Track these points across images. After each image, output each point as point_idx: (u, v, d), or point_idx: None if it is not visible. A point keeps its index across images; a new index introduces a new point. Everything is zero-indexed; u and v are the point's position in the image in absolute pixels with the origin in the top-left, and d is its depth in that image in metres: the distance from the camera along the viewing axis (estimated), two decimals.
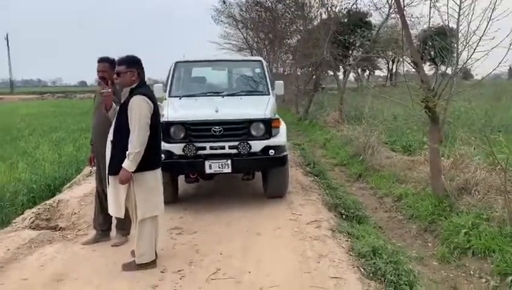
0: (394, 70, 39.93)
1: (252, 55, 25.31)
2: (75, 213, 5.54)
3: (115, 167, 3.54)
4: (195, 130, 5.34)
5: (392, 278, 3.55)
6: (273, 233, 4.65)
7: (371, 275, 3.64)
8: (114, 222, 4.52)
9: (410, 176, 6.91)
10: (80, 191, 6.39)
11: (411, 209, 5.76)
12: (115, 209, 3.69)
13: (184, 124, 5.31)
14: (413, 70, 5.97)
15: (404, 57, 6.13)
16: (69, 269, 3.82)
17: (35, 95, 50.56)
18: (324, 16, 17.55)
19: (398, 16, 7.20)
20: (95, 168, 4.83)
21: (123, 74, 3.62)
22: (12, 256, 4.06)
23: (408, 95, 5.55)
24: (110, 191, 3.68)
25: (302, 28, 19.22)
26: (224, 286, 3.46)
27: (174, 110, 5.60)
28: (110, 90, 3.71)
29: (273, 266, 3.77)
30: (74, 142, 12.66)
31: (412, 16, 13.14)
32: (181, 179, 5.94)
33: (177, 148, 5.26)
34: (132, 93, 3.59)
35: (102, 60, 4.33)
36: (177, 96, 6.18)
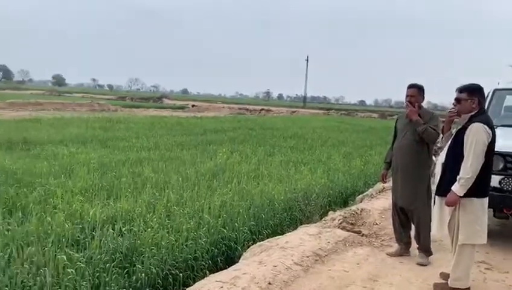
0: None
1: None
2: (376, 224, 5.99)
3: (444, 189, 3.68)
4: None
5: None
6: None
7: None
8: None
9: None
10: (379, 204, 6.85)
11: None
12: (436, 228, 3.84)
13: (504, 156, 4.99)
14: None
15: None
16: (380, 272, 4.21)
17: (322, 110, 56.47)
18: None
19: None
20: (386, 184, 5.13)
21: (463, 100, 3.72)
22: (332, 248, 4.75)
23: None
24: (435, 211, 3.85)
25: None
26: None
27: None
28: (455, 109, 3.82)
29: None
30: (361, 157, 13.48)
31: None
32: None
33: (493, 180, 4.98)
34: (471, 120, 3.66)
35: (412, 86, 4.71)
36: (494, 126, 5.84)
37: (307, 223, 6.52)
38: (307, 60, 73.07)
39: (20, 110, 32.04)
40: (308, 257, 4.31)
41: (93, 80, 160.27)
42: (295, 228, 6.25)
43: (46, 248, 4.43)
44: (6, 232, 4.85)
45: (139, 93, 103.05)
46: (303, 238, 4.89)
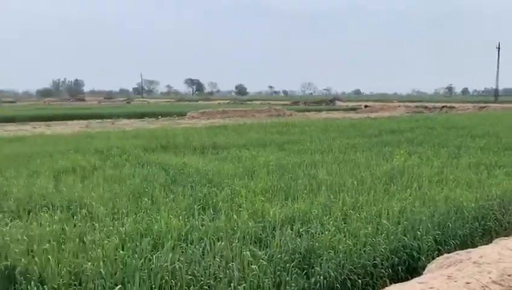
0: None
1: None
2: None
3: None
4: None
5: None
6: None
7: None
8: None
9: None
10: None
11: None
12: None
13: None
14: None
15: None
16: None
17: None
18: None
19: None
20: None
21: None
22: None
23: None
24: None
25: None
26: None
27: None
28: None
29: None
30: None
31: None
32: None
33: None
34: None
35: None
36: None
37: (505, 236, 5.64)
38: (498, 48, 64.16)
39: (210, 118, 36.27)
40: (509, 275, 3.68)
41: (270, 87, 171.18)
42: (489, 241, 5.48)
43: (233, 244, 4.82)
44: (200, 227, 5.45)
45: (312, 97, 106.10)
46: (502, 253, 4.21)
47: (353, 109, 53.55)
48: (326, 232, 5.20)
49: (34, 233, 5.14)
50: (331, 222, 5.64)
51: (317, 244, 4.93)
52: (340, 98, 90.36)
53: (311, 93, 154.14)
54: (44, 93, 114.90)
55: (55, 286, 4.08)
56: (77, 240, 5.02)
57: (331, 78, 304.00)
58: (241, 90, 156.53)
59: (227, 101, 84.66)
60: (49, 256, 4.45)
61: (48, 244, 4.74)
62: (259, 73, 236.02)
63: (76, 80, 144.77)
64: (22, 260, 4.44)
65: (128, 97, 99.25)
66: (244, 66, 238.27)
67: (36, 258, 4.46)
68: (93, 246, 4.79)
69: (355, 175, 8.81)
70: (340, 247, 4.85)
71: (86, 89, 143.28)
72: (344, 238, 5.08)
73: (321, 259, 4.63)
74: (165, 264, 4.30)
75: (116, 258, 4.50)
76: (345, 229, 5.43)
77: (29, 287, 4.07)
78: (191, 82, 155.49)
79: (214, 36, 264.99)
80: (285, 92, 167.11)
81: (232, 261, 4.44)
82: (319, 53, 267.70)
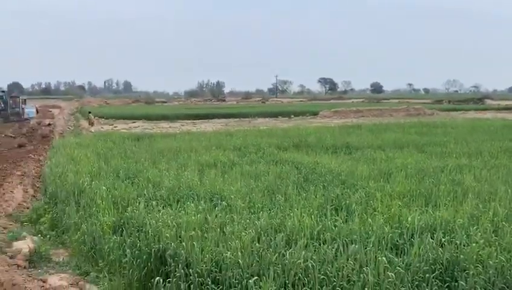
0: None
1: None
2: None
3: None
4: None
5: None
6: None
7: None
8: None
9: None
10: None
11: None
12: None
13: None
14: None
15: None
16: None
17: None
18: None
19: None
20: None
21: None
22: None
23: None
24: None
25: None
26: None
27: None
28: None
29: None
30: None
31: None
32: None
33: None
34: None
35: None
36: None
37: None
38: None
39: (343, 117, 35.70)
40: None
41: (409, 84, 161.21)
42: None
43: (367, 248, 4.67)
44: (333, 228, 5.40)
45: (457, 95, 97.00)
46: None
47: (508, 109, 47.52)
48: (473, 244, 4.70)
49: (181, 220, 5.67)
50: (479, 234, 5.09)
51: (462, 256, 4.49)
52: (491, 96, 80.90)
53: (457, 91, 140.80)
54: (191, 94, 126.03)
55: (199, 271, 4.45)
56: (218, 229, 5.39)
57: (480, 75, 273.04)
58: (376, 88, 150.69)
59: (362, 99, 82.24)
60: (194, 243, 4.86)
61: (193, 232, 5.19)
62: (397, 70, 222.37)
63: (218, 81, 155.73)
64: (172, 244, 4.94)
65: (263, 97, 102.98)
66: (381, 64, 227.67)
67: (183, 244, 4.92)
68: (232, 236, 5.09)
69: (509, 183, 7.83)
70: (490, 262, 4.34)
71: (226, 89, 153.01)
72: (495, 253, 4.54)
73: (466, 273, 4.21)
74: (298, 261, 4.36)
75: (252, 250, 4.72)
76: (496, 243, 4.85)
77: (177, 269, 4.52)
78: (324, 81, 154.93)
79: (347, 34, 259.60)
80: (426, 90, 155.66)
81: (367, 266, 4.31)
82: (466, 48, 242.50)
